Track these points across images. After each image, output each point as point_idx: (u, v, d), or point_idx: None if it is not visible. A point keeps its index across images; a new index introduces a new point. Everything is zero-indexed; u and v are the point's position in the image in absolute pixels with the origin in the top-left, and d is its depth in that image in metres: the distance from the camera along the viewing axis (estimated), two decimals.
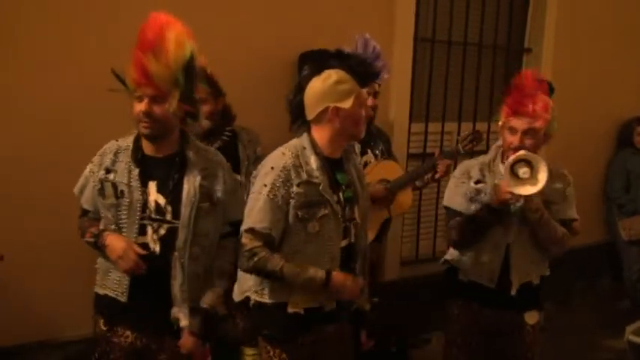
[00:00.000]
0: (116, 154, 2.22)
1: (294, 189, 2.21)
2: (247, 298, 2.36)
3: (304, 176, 2.23)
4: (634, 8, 5.42)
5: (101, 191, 2.21)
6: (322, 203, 2.24)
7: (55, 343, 3.16)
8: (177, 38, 2.11)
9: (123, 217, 2.19)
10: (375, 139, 3.33)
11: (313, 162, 2.25)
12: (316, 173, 2.24)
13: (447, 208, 2.74)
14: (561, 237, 2.60)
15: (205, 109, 2.85)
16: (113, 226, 2.20)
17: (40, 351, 3.13)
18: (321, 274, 2.22)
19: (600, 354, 4.34)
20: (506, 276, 2.61)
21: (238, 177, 2.93)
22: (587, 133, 5.16)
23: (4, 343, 2.98)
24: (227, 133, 2.99)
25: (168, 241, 2.19)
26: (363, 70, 2.29)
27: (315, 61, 2.33)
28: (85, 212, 2.32)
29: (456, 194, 2.67)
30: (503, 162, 2.62)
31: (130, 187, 2.18)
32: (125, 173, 2.19)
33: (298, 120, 2.35)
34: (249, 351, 3.14)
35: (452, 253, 2.74)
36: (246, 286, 2.35)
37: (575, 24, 4.97)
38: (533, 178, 2.40)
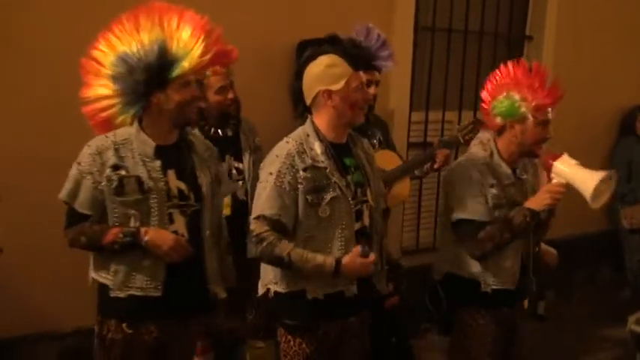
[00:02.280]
0: (116, 149, 2.16)
1: (301, 174, 2.22)
2: (267, 290, 2.37)
3: (309, 161, 2.24)
4: None
5: (119, 189, 2.13)
6: (330, 187, 2.25)
7: (53, 335, 3.16)
8: None
9: (153, 209, 2.16)
10: (373, 128, 3.29)
11: (317, 147, 2.27)
12: (321, 158, 2.26)
13: (466, 220, 2.49)
14: None
15: (231, 96, 2.92)
16: (137, 223, 2.16)
17: (38, 343, 3.12)
18: (330, 261, 2.21)
19: (601, 343, 4.34)
20: (522, 273, 2.59)
21: (241, 165, 2.97)
22: (589, 121, 5.12)
23: (2, 335, 2.98)
24: (233, 121, 3.01)
25: (193, 225, 2.24)
26: (356, 54, 2.28)
27: (311, 47, 2.34)
28: (81, 217, 2.19)
29: (476, 204, 2.47)
30: (504, 160, 2.55)
31: (153, 180, 2.16)
32: (139, 166, 2.15)
33: (299, 106, 2.40)
34: (257, 344, 3.14)
35: (471, 268, 2.56)
36: (267, 280, 2.37)
37: (577, 11, 4.92)
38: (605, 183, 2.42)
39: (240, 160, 2.98)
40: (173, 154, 2.23)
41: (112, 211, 2.17)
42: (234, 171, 2.96)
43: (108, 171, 2.13)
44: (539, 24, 4.86)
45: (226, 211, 2.88)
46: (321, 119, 2.30)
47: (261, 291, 2.42)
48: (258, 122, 3.16)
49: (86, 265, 2.35)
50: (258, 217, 2.23)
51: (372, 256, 2.25)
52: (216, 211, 2.35)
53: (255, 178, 2.88)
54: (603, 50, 5.16)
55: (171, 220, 2.20)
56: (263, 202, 2.23)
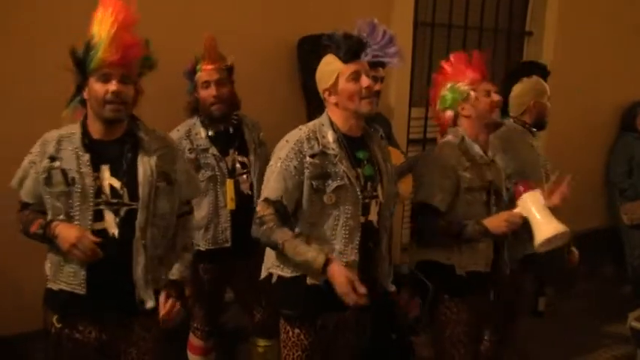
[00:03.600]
0: (59, 142, 2.15)
1: (308, 159, 2.25)
2: (270, 275, 2.39)
3: (317, 148, 2.27)
4: None
5: (48, 180, 2.13)
6: (337, 175, 2.26)
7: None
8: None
9: (75, 204, 2.12)
10: (375, 124, 3.28)
11: (330, 136, 2.30)
12: (332, 145, 2.28)
13: (427, 205, 2.55)
14: None
15: (212, 92, 2.87)
16: (62, 216, 2.13)
17: (39, 340, 3.11)
18: (320, 259, 2.18)
19: (601, 339, 4.33)
20: (496, 255, 2.68)
21: (245, 159, 2.96)
22: (589, 117, 5.12)
23: (4, 332, 2.98)
24: (234, 118, 3.00)
25: (126, 225, 2.15)
26: (346, 46, 2.30)
27: (313, 45, 2.38)
28: (25, 205, 2.23)
29: (441, 190, 2.54)
30: (474, 142, 2.65)
31: (80, 174, 2.12)
32: (73, 160, 2.13)
33: (314, 102, 2.42)
34: (261, 342, 3.13)
35: (446, 251, 2.61)
36: (270, 263, 2.40)
37: (577, 6, 4.92)
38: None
39: (245, 155, 2.97)
40: (111, 150, 2.17)
41: (46, 202, 2.17)
42: (238, 165, 2.95)
43: (45, 162, 2.14)
44: (539, 19, 4.86)
45: (230, 206, 2.89)
46: (333, 114, 2.35)
47: (263, 274, 2.43)
48: (257, 118, 3.15)
49: None
50: (263, 200, 2.28)
51: (363, 289, 2.18)
52: (161, 213, 2.22)
53: (261, 172, 2.90)
54: (603, 46, 5.15)
55: (101, 217, 2.13)
56: (270, 185, 2.27)
